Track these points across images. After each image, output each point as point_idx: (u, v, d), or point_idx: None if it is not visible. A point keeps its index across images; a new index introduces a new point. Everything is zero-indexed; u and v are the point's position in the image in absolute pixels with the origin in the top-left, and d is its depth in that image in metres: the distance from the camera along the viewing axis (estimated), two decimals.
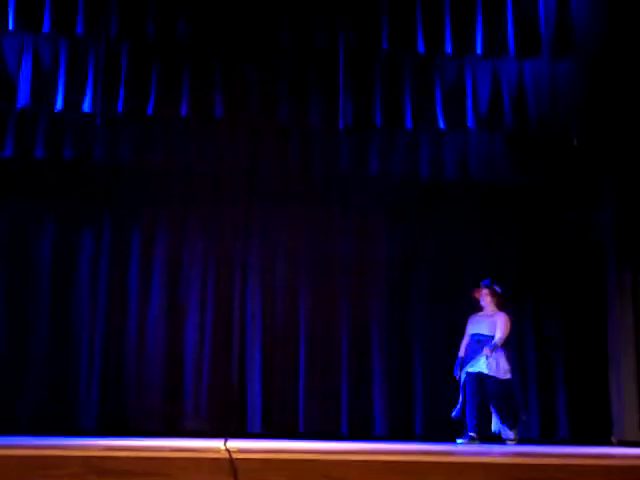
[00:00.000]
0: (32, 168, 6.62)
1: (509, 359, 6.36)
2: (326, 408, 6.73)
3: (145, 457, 3.46)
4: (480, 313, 6.54)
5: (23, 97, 6.15)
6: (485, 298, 6.51)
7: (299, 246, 6.99)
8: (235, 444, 4.22)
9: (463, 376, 6.36)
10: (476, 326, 6.47)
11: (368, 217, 7.06)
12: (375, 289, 6.97)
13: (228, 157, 6.92)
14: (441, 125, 6.37)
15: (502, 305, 6.48)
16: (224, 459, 3.34)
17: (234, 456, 3.34)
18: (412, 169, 6.92)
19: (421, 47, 6.23)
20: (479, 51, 6.20)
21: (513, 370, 6.38)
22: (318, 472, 3.31)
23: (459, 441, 6.23)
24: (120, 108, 6.22)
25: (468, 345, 6.44)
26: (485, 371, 6.26)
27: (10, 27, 6.12)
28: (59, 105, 6.16)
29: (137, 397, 6.53)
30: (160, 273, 6.82)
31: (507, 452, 4.48)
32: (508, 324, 6.39)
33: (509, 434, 6.28)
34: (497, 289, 6.48)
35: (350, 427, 6.66)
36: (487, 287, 6.50)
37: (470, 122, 6.37)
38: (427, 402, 6.82)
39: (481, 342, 6.36)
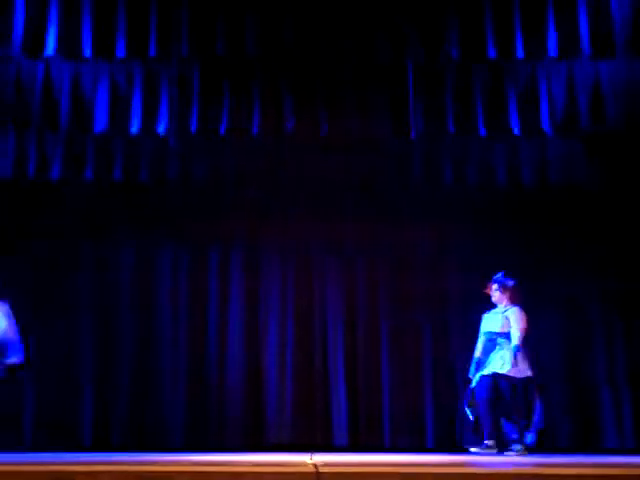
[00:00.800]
0: (110, 190, 6.76)
1: (527, 355, 5.96)
2: (411, 421, 6.65)
3: (233, 472, 3.48)
4: (492, 310, 6.23)
5: (100, 122, 6.32)
6: (495, 294, 6.20)
7: (379, 260, 6.95)
8: (321, 458, 4.20)
9: (477, 379, 6.04)
10: (488, 324, 6.17)
11: (444, 226, 6.97)
12: (454, 296, 6.86)
13: (300, 172, 6.93)
14: (516, 131, 6.28)
15: (515, 300, 6.12)
16: (311, 473, 3.33)
17: (320, 470, 3.33)
18: (487, 177, 6.81)
19: (492, 53, 6.14)
20: (552, 53, 6.08)
21: (532, 367, 5.97)
22: None
23: (473, 450, 5.87)
24: (193, 128, 6.33)
25: (483, 345, 6.14)
26: (500, 371, 5.92)
27: (86, 54, 6.29)
28: (135, 128, 6.30)
29: (221, 413, 6.56)
30: (239, 287, 6.87)
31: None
32: (522, 318, 6.03)
33: (515, 445, 5.81)
34: (508, 283, 6.15)
35: (436, 440, 6.55)
36: (497, 282, 6.19)
37: (546, 127, 6.25)
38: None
39: (492, 340, 6.08)
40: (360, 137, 6.71)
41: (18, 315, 6.44)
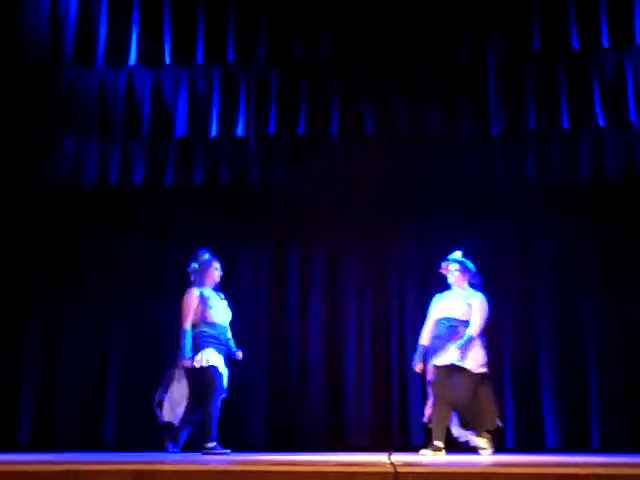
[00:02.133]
0: (191, 194, 6.84)
1: (484, 350, 5.57)
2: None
3: (313, 472, 3.47)
4: (448, 293, 5.74)
5: (181, 127, 6.44)
6: (454, 274, 5.73)
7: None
8: (399, 457, 4.16)
9: (430, 369, 5.55)
10: (446, 308, 5.65)
11: (528, 224, 6.78)
12: (539, 298, 6.67)
13: (379, 174, 6.86)
14: (601, 123, 6.07)
15: (475, 285, 5.73)
16: (389, 472, 3.31)
17: (399, 469, 3.30)
18: (572, 171, 6.58)
19: (575, 43, 5.97)
20: (639, 41, 5.87)
21: (489, 363, 5.59)
22: None
23: (422, 452, 5.42)
24: (272, 130, 6.38)
25: (434, 331, 5.65)
26: (457, 363, 5.45)
27: (167, 61, 6.43)
28: (214, 132, 6.39)
29: (300, 413, 6.55)
30: (319, 291, 6.82)
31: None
32: (486, 308, 5.59)
33: (478, 442, 5.45)
34: (469, 265, 5.76)
35: (517, 440, 6.37)
36: (458, 262, 5.74)
37: (633, 117, 6.03)
38: (603, 413, 6.38)
39: (453, 328, 5.55)
40: (442, 136, 6.61)
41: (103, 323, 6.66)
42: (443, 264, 5.85)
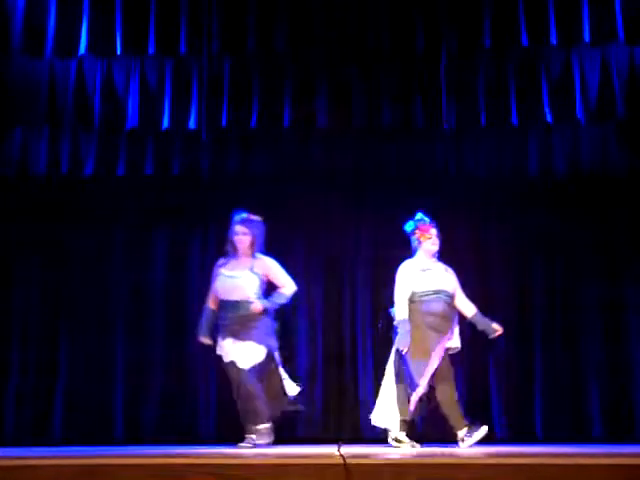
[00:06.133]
0: (141, 185, 6.83)
1: None
2: (439, 414, 6.60)
3: (261, 464, 3.49)
4: (427, 262, 5.44)
5: (132, 118, 6.38)
6: (436, 241, 5.45)
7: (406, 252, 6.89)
8: (349, 449, 4.20)
9: (438, 352, 5.28)
10: (438, 281, 5.37)
11: (476, 218, 6.89)
12: (495, 286, 6.79)
13: (332, 165, 6.91)
14: (549, 119, 6.19)
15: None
16: (338, 464, 3.34)
17: (348, 461, 3.33)
18: (520, 166, 6.71)
19: (525, 40, 6.06)
20: (586, 39, 5.98)
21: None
22: (433, 476, 3.25)
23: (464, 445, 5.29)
24: (224, 122, 6.35)
25: (429, 307, 5.34)
26: (452, 345, 5.41)
27: (118, 51, 6.35)
28: (166, 123, 6.34)
29: None
30: None
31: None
32: None
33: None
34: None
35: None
36: (436, 227, 5.48)
37: (579, 114, 6.15)
38: (604, 402, 6.55)
39: (450, 305, 5.37)
40: (393, 129, 6.66)
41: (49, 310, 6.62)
42: (421, 226, 5.51)
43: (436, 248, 5.51)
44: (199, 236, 6.95)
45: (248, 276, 5.41)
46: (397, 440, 5.36)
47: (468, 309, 5.55)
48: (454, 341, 5.44)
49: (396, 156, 6.94)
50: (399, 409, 5.35)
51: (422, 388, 5.27)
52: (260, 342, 5.32)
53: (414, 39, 6.25)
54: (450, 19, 6.15)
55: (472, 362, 6.58)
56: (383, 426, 5.47)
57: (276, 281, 5.56)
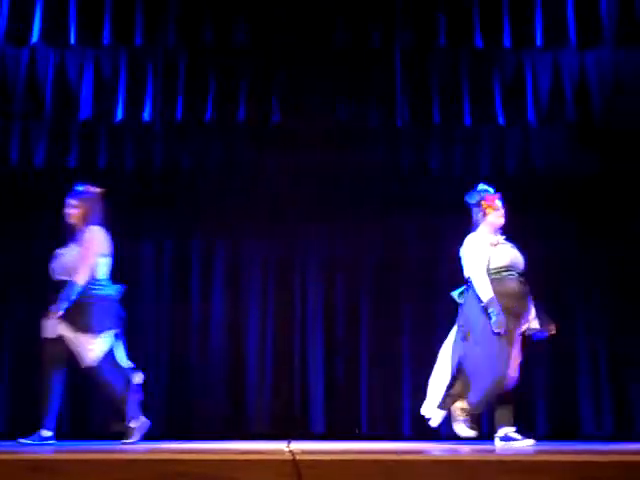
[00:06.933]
0: (95, 178, 6.72)
1: None
2: (389, 409, 6.66)
3: (209, 460, 3.48)
4: (493, 236, 5.03)
5: (85, 109, 6.30)
6: (502, 214, 5.06)
7: (362, 247, 6.93)
8: (298, 445, 4.21)
9: (516, 335, 4.81)
10: (508, 256, 4.93)
11: (429, 216, 6.96)
12: (440, 285, 6.84)
13: (286, 162, 6.91)
14: (501, 120, 6.29)
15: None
16: (288, 460, 3.34)
17: (297, 457, 3.34)
18: (473, 165, 6.80)
19: (479, 42, 6.15)
20: (539, 43, 6.09)
21: None
22: (381, 472, 3.27)
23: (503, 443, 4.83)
24: (179, 116, 6.32)
25: (505, 285, 4.88)
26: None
27: (72, 41, 6.26)
28: (119, 115, 6.28)
29: (201, 401, 6.57)
30: (221, 277, 6.86)
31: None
32: None
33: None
34: None
35: (413, 427, 6.56)
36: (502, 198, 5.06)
37: (531, 116, 6.26)
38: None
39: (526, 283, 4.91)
40: (348, 126, 6.69)
41: None
42: (487, 197, 5.13)
43: (502, 221, 5.10)
44: (151, 229, 6.90)
45: (75, 252, 4.93)
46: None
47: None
48: (533, 322, 4.90)
49: (350, 154, 6.96)
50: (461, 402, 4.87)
51: (509, 380, 4.76)
52: (95, 330, 4.81)
53: (369, 36, 6.29)
54: (405, 17, 6.20)
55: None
56: (436, 418, 5.05)
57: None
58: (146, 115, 6.31)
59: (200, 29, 6.33)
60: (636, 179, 6.61)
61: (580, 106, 6.23)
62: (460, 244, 6.68)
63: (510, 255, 4.94)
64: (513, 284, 4.85)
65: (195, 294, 6.83)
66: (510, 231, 6.62)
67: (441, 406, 4.95)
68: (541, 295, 5.18)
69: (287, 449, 3.68)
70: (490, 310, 4.75)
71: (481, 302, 4.83)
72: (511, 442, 4.75)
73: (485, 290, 4.81)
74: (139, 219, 6.80)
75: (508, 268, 4.88)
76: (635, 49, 6.18)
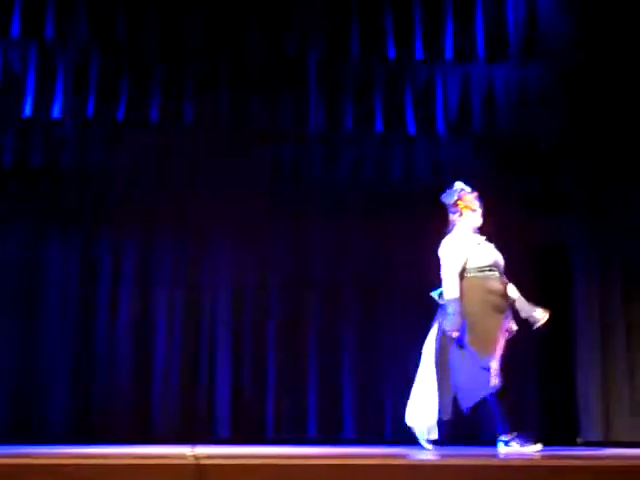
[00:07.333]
0: (1, 176, 6.56)
1: None
2: (294, 413, 6.71)
3: (112, 464, 3.44)
4: (474, 237, 4.86)
5: None
6: (480, 214, 4.89)
7: (271, 251, 6.97)
8: (203, 450, 4.21)
9: (509, 331, 4.75)
10: (491, 255, 4.83)
11: (339, 221, 7.04)
12: (347, 292, 6.95)
13: (198, 163, 6.88)
14: (411, 130, 6.43)
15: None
16: (191, 465, 3.33)
17: (201, 462, 3.33)
18: (383, 173, 6.92)
19: (391, 53, 6.29)
20: (449, 57, 6.27)
21: None
22: (286, 477, 3.30)
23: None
24: (90, 114, 6.21)
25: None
26: None
27: None
28: (28, 111, 6.13)
29: (106, 405, 6.47)
30: (129, 280, 6.77)
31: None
32: None
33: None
34: None
35: (319, 432, 6.64)
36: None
37: (440, 127, 6.43)
38: (397, 406, 6.75)
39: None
40: (261, 131, 6.72)
41: None
42: (464, 196, 4.91)
43: (480, 222, 4.90)
44: (57, 229, 6.75)
45: None
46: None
47: (512, 291, 4.89)
48: (512, 324, 4.83)
49: (262, 156, 6.98)
50: (441, 407, 4.69)
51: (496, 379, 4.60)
52: None
53: (283, 43, 6.34)
54: (319, 26, 6.29)
55: None
56: (418, 427, 4.84)
57: None
58: (56, 112, 6.18)
59: (113, 27, 6.25)
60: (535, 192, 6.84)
61: (487, 120, 6.43)
62: (364, 250, 6.81)
63: (493, 255, 4.83)
64: (496, 282, 4.76)
65: (103, 296, 6.72)
66: (415, 236, 6.81)
67: (442, 414, 4.71)
68: None
69: (191, 453, 3.67)
70: (449, 309, 4.66)
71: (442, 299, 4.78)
72: (516, 447, 4.58)
73: (451, 289, 4.69)
74: (45, 219, 6.64)
75: (491, 267, 4.78)
76: (540, 65, 6.44)
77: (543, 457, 4.13)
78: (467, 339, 4.62)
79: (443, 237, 4.93)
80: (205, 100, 6.54)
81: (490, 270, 4.76)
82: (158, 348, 6.70)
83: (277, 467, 3.46)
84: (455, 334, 4.62)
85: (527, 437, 4.61)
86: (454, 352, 4.69)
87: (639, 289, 6.74)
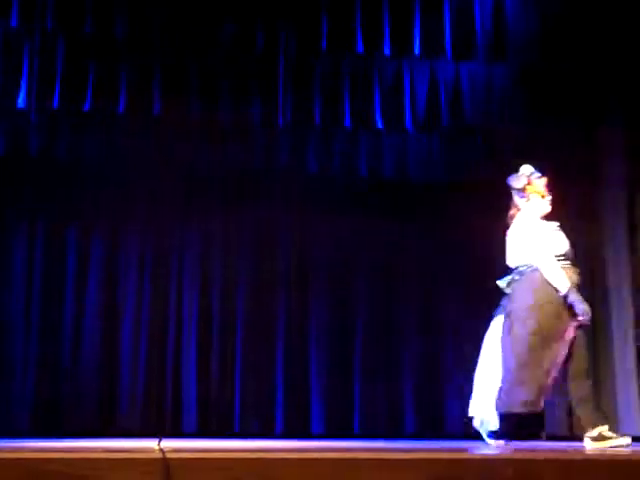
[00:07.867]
0: None
1: None
2: (261, 407, 6.73)
3: (77, 458, 3.41)
4: (546, 222, 4.45)
5: None
6: (549, 199, 4.46)
7: (238, 244, 6.97)
8: (169, 443, 4.19)
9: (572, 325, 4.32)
10: (566, 243, 4.42)
11: (307, 214, 7.07)
12: (314, 286, 6.99)
13: (166, 155, 6.85)
14: (379, 125, 6.46)
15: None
16: (157, 459, 3.31)
17: (168, 455, 3.31)
18: (351, 167, 6.95)
19: (360, 48, 6.30)
20: (417, 52, 6.30)
21: None
22: (253, 471, 3.30)
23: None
24: (56, 104, 6.14)
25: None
26: None
27: None
28: None
29: (71, 397, 6.44)
30: (96, 272, 6.74)
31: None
32: None
33: None
34: None
35: (286, 426, 6.67)
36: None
37: (408, 122, 6.47)
38: (365, 400, 6.82)
39: None
40: (230, 124, 6.71)
41: None
42: (534, 180, 4.44)
43: (550, 208, 4.48)
44: (23, 221, 6.68)
45: None
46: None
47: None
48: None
49: (231, 150, 6.97)
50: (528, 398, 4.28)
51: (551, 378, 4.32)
52: None
53: (254, 37, 6.32)
54: (288, 21, 6.28)
55: None
56: (485, 419, 4.53)
57: None
58: (20, 101, 6.10)
59: (81, 16, 6.17)
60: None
61: (453, 116, 6.48)
62: (331, 244, 6.83)
63: (566, 243, 4.44)
64: (572, 274, 4.36)
65: (69, 287, 6.67)
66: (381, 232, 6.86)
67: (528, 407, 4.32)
68: None
69: (157, 447, 3.65)
70: (571, 299, 4.25)
71: (559, 292, 4.29)
72: (605, 441, 4.21)
73: (562, 281, 4.27)
74: (10, 209, 6.57)
75: (567, 257, 4.40)
76: (505, 63, 6.51)
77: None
78: (530, 328, 4.28)
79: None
80: (174, 92, 6.49)
81: (565, 260, 4.37)
82: (124, 340, 6.68)
83: (243, 461, 3.46)
84: (588, 318, 4.26)
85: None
86: (517, 343, 4.32)
87: None
